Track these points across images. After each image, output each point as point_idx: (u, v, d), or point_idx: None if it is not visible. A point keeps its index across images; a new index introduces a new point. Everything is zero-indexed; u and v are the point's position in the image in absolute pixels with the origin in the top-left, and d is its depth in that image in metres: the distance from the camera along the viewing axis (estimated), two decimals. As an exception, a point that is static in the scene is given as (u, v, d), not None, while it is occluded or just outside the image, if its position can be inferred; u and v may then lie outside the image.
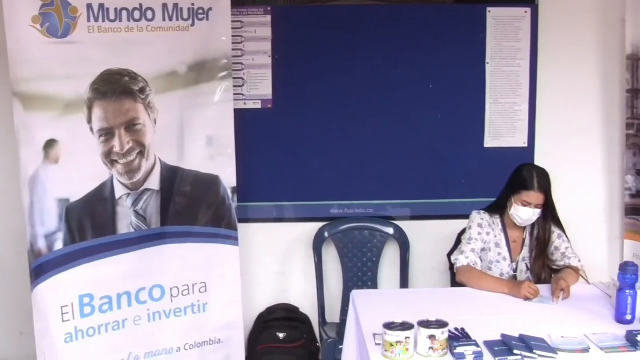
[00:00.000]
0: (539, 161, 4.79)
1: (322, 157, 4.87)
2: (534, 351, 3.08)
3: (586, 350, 3.16)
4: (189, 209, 4.21)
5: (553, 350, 3.12)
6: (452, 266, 4.16)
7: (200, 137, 4.20)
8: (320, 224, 4.89)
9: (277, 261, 5.00)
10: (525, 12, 4.89)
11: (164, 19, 4.00)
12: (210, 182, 4.24)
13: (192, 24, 4.06)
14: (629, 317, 3.48)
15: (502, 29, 4.88)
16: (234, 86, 4.43)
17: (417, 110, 4.87)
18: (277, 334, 4.73)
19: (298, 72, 4.78)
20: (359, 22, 4.78)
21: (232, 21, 4.31)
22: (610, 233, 5.24)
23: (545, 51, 4.94)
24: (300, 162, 4.86)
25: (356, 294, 3.86)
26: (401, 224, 4.91)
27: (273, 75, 4.77)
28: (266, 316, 4.88)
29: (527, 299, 3.73)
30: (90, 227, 3.94)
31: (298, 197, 4.92)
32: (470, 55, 4.89)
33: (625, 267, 3.51)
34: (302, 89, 4.79)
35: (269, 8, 4.72)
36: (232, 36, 4.34)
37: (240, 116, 4.50)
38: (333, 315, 4.88)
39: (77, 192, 3.89)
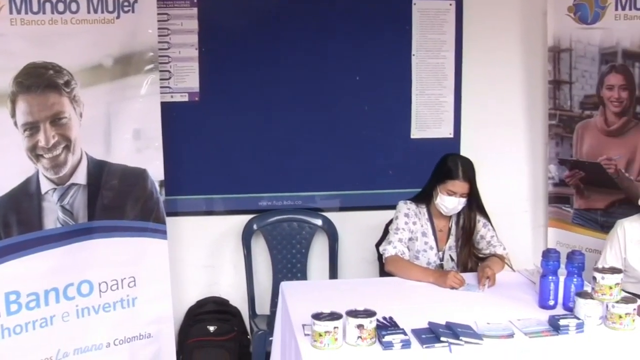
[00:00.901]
0: (464, 151, 4.88)
1: (250, 149, 4.88)
2: (460, 338, 3.15)
3: (511, 335, 3.25)
4: (117, 203, 4.18)
5: (479, 336, 3.20)
6: (380, 256, 4.22)
7: (127, 130, 4.17)
8: (249, 217, 4.90)
9: (206, 254, 5.00)
10: (450, 4, 4.98)
11: (88, 11, 3.94)
12: (138, 176, 4.22)
13: (118, 17, 4.02)
14: (551, 303, 3.59)
15: (428, 22, 4.96)
16: (161, 79, 4.40)
17: (344, 102, 4.92)
18: (208, 327, 4.73)
19: (225, 65, 4.78)
20: (286, 14, 4.80)
21: (158, 13, 4.28)
22: (535, 221, 5.38)
23: (469, 43, 5.04)
24: (228, 154, 4.86)
25: (285, 286, 3.90)
26: (330, 215, 4.96)
27: (200, 68, 4.76)
28: (196, 310, 4.87)
29: (452, 288, 3.81)
30: (16, 222, 3.87)
31: (227, 190, 4.92)
32: (396, 48, 4.95)
33: (547, 254, 3.62)
34: (229, 81, 4.79)
35: (195, 0, 4.70)
36: (159, 29, 4.31)
37: (168, 109, 4.48)
38: (263, 307, 4.90)
39: (2, 187, 3.81)
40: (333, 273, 4.89)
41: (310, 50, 4.84)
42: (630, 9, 4.69)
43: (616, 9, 4.74)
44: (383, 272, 4.23)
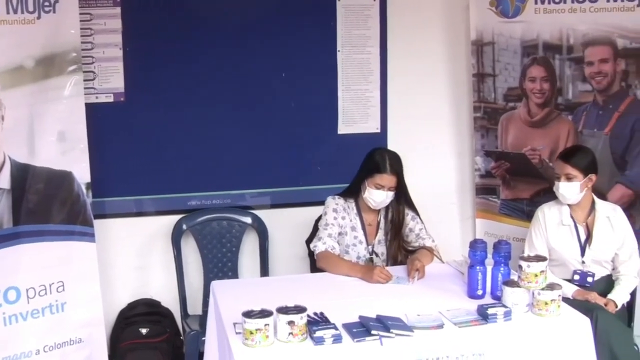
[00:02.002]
0: (391, 146, 4.91)
1: (178, 148, 4.84)
2: (391, 330, 3.18)
3: (441, 326, 3.30)
4: (42, 207, 4.10)
5: (409, 328, 3.24)
6: (311, 252, 4.23)
7: (51, 132, 4.11)
8: (178, 217, 4.86)
9: (136, 256, 4.94)
10: (374, 0, 5.01)
11: (7, 12, 3.86)
12: (63, 179, 4.16)
13: (38, 17, 3.95)
14: (480, 292, 3.65)
15: (352, 17, 4.99)
16: (85, 80, 4.35)
17: (271, 99, 4.91)
18: (140, 329, 4.68)
19: (150, 64, 4.73)
20: (211, 12, 4.77)
21: (81, 13, 4.23)
22: (463, 213, 5.46)
23: (394, 38, 5.08)
24: (156, 154, 4.82)
25: (216, 285, 3.89)
26: (260, 212, 4.95)
27: (125, 68, 4.70)
28: (127, 312, 4.82)
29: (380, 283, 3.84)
30: (-62, 229, 3.80)
31: (155, 190, 4.88)
32: (321, 44, 4.97)
33: (474, 245, 3.69)
34: (154, 80, 4.74)
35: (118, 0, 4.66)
36: (81, 29, 4.25)
37: (93, 110, 4.44)
38: (195, 308, 4.87)
39: None
40: (264, 271, 4.88)
41: (236, 47, 4.82)
42: (549, 2, 4.79)
43: (536, 2, 4.84)
44: (314, 268, 4.24)
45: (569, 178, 4.13)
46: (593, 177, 4.16)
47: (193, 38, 4.76)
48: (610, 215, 4.22)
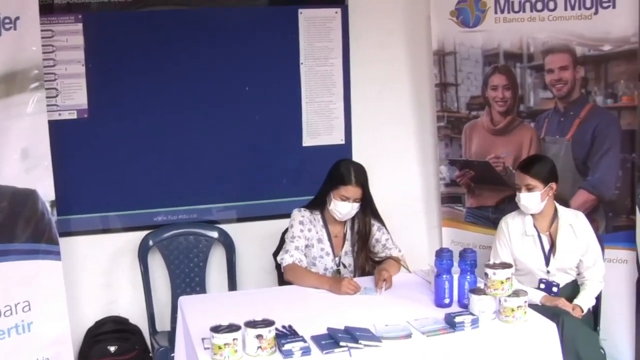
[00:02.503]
0: (356, 157, 4.93)
1: (143, 164, 4.83)
2: (359, 341, 3.18)
3: (409, 335, 3.30)
4: (7, 225, 4.05)
5: (377, 338, 3.24)
6: (278, 265, 4.23)
7: (14, 150, 4.06)
8: (145, 233, 4.84)
9: (103, 273, 4.90)
10: (336, 12, 5.04)
11: (-32, 30, 3.86)
12: (27, 197, 4.11)
13: (-1, 34, 3.94)
14: (447, 301, 3.66)
15: (314, 30, 5.01)
16: (48, 97, 4.33)
17: (235, 112, 4.91)
18: (108, 347, 4.65)
19: (113, 80, 4.71)
20: (173, 26, 4.77)
21: (42, 30, 4.19)
22: (429, 222, 5.48)
23: (356, 49, 5.11)
24: (121, 170, 4.80)
25: (183, 300, 3.86)
26: (226, 226, 4.94)
27: (88, 84, 4.67)
28: (95, 330, 4.78)
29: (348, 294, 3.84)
30: None
31: (121, 207, 4.85)
32: (284, 57, 4.99)
33: (440, 254, 3.70)
34: (118, 96, 4.72)
35: (79, 16, 4.62)
36: (43, 45, 4.23)
37: (57, 127, 4.41)
38: (164, 324, 4.85)
39: None
40: (232, 285, 4.87)
41: (199, 61, 4.82)
42: (508, 12, 4.84)
43: (496, 12, 4.88)
44: (282, 281, 4.24)
45: (529, 188, 4.15)
46: (554, 185, 4.19)
47: (156, 53, 4.75)
48: (573, 223, 4.25)
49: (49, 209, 4.18)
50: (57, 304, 4.24)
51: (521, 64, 4.89)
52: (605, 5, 4.59)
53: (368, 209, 4.21)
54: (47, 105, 4.25)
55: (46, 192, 4.17)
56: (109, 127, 4.74)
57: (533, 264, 4.24)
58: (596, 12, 4.62)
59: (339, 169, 4.13)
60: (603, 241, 4.46)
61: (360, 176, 4.12)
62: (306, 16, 4.98)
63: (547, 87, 4.82)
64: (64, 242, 4.36)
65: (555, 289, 4.19)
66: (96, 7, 4.64)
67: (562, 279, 4.24)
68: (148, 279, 4.78)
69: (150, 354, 4.78)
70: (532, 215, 4.25)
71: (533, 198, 4.15)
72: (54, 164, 4.20)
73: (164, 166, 4.86)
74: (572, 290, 4.26)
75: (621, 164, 4.66)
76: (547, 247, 4.24)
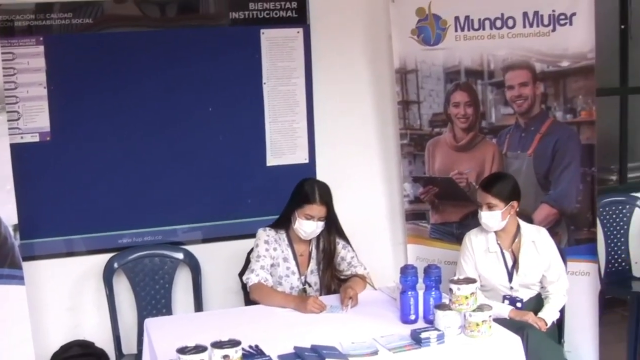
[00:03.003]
0: (320, 175, 4.94)
1: (107, 186, 4.79)
2: (326, 359, 3.19)
3: (375, 352, 3.31)
4: (-31, 251, 4.04)
5: (344, 356, 3.25)
6: (244, 285, 4.22)
7: (-25, 175, 4.05)
8: (110, 255, 4.80)
9: (68, 296, 4.85)
10: (298, 32, 5.05)
11: None
12: (-11, 222, 4.10)
13: (-40, 58, 3.91)
14: (412, 317, 3.68)
15: (277, 49, 5.01)
16: (9, 120, 4.33)
17: (199, 133, 4.90)
18: (74, 372, 4.63)
19: (76, 102, 4.69)
20: (135, 48, 4.76)
21: (3, 53, 4.20)
22: (394, 239, 5.49)
23: (319, 69, 5.12)
24: (84, 193, 4.76)
25: (149, 323, 3.84)
26: (192, 247, 4.92)
27: (50, 107, 4.64)
28: (61, 355, 4.73)
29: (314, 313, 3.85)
30: None
31: (86, 229, 4.81)
32: (247, 77, 4.99)
33: (405, 270, 3.72)
34: (80, 118, 4.70)
35: (40, 38, 4.59)
36: (4, 68, 4.24)
37: (18, 150, 4.40)
38: (130, 346, 4.80)
39: None
40: (198, 306, 4.84)
41: (162, 83, 4.81)
42: (468, 29, 4.89)
43: (456, 30, 4.93)
44: (248, 301, 4.22)
45: (490, 207, 4.19)
46: (515, 204, 4.23)
47: (118, 75, 4.73)
48: (535, 239, 4.29)
49: (12, 233, 4.16)
50: (21, 329, 4.20)
51: (482, 80, 4.95)
52: (562, 22, 4.67)
53: (333, 228, 4.23)
54: (9, 129, 4.25)
55: (9, 216, 4.15)
56: (72, 149, 4.71)
57: (496, 280, 4.27)
58: (554, 29, 4.69)
59: (303, 188, 4.15)
60: (565, 254, 4.51)
61: (325, 195, 4.14)
62: (268, 36, 4.99)
63: (508, 103, 4.88)
64: (27, 266, 4.32)
65: (519, 304, 4.23)
66: (57, 29, 4.61)
67: (525, 294, 4.27)
68: (113, 302, 4.74)
69: (117, 378, 4.74)
70: (495, 232, 4.28)
71: (494, 217, 4.18)
72: (17, 188, 4.18)
73: (128, 188, 4.83)
74: (536, 304, 4.29)
75: (582, 177, 4.73)
76: (510, 263, 4.27)
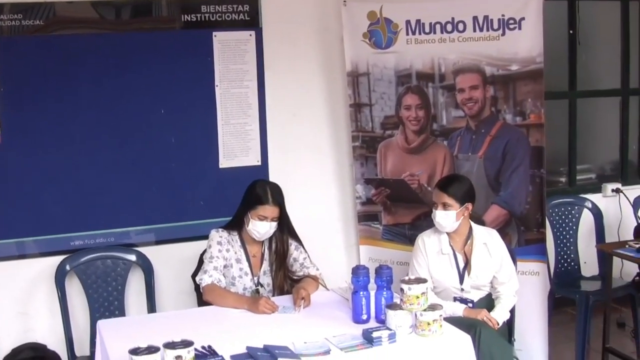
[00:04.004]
0: (273, 178, 4.93)
1: (58, 188, 4.76)
2: (278, 359, 3.20)
3: (327, 352, 3.32)
4: None
5: (296, 356, 3.26)
6: (197, 287, 4.22)
7: None
8: (62, 257, 4.77)
9: (19, 299, 4.81)
10: (250, 35, 5.06)
11: None
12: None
13: None
14: (364, 317, 3.70)
15: (229, 52, 5.02)
16: (-41, 123, 4.28)
17: (151, 135, 4.89)
18: (26, 374, 4.58)
19: (27, 104, 4.65)
20: (88, 51, 4.74)
21: (-48, 56, 4.16)
22: (347, 240, 5.52)
23: (271, 71, 5.14)
24: (36, 195, 4.72)
25: (102, 324, 3.82)
26: (145, 249, 4.90)
27: (0, 109, 4.60)
28: (13, 358, 4.68)
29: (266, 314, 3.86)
30: None
31: (37, 232, 4.77)
32: (199, 79, 4.99)
33: (357, 271, 3.74)
34: (31, 121, 4.66)
35: (-9, 40, 4.57)
36: (-46, 71, 4.19)
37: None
38: (83, 349, 4.77)
39: None
40: (151, 307, 4.81)
41: (114, 85, 4.79)
42: (419, 33, 4.95)
43: (407, 34, 4.98)
44: (201, 302, 4.21)
45: (445, 207, 4.23)
46: (469, 206, 4.28)
47: (70, 77, 4.71)
48: (487, 242, 4.34)
49: (-38, 236, 4.12)
50: (-29, 333, 4.17)
51: (433, 84, 5.00)
52: (511, 27, 4.75)
53: (285, 228, 4.25)
54: (-41, 131, 4.19)
55: (-42, 219, 4.11)
56: (23, 151, 4.67)
57: (448, 282, 4.31)
58: (503, 34, 4.77)
59: (255, 190, 4.16)
60: (515, 254, 4.57)
61: (277, 195, 4.15)
62: (220, 39, 4.99)
63: (458, 106, 4.94)
64: (-23, 270, 4.28)
65: (470, 305, 4.27)
66: (8, 30, 4.57)
67: (476, 295, 4.32)
68: (66, 304, 4.70)
69: (70, 380, 4.71)
70: (447, 233, 4.32)
71: (449, 216, 4.22)
72: (-34, 191, 4.14)
73: (80, 190, 4.80)
74: (487, 303, 4.34)
75: (531, 179, 4.81)
76: (461, 265, 4.31)
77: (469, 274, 4.29)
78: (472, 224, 4.37)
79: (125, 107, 4.84)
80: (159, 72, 4.87)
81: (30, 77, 4.65)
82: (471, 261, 4.30)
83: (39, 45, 4.65)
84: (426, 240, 4.37)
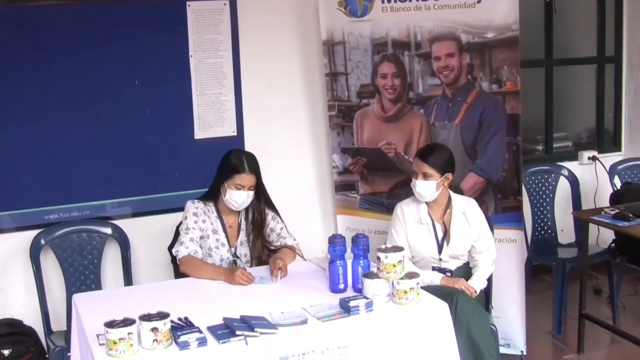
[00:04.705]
0: (249, 148, 4.88)
1: (32, 161, 4.71)
2: (255, 329, 3.19)
3: (304, 322, 3.32)
4: None
5: (273, 326, 3.25)
6: (174, 259, 4.20)
7: None
8: (37, 231, 4.72)
9: (-6, 275, 4.79)
10: (224, 4, 5.02)
11: None
12: None
13: None
14: (341, 286, 3.70)
15: (203, 22, 4.97)
16: None
17: (125, 106, 4.84)
18: (2, 351, 4.51)
19: (-2, 77, 4.60)
20: (59, 22, 4.67)
21: None
22: (324, 210, 5.53)
23: (246, 41, 5.10)
24: (9, 169, 4.68)
25: (77, 298, 3.80)
26: (120, 222, 4.86)
27: (-31, 82, 4.56)
28: (-12, 335, 4.67)
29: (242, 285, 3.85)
30: None
31: (11, 206, 4.72)
32: (173, 49, 4.94)
33: (333, 240, 3.74)
34: (3, 94, 4.59)
35: (-44, 10, 4.49)
36: None
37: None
38: (60, 323, 4.75)
39: None
40: (128, 281, 4.80)
41: (87, 56, 4.73)
42: (395, 1, 4.91)
43: (382, 2, 4.94)
44: (178, 274, 4.21)
45: (425, 176, 4.21)
46: (450, 176, 4.26)
47: (41, 48, 4.64)
48: (465, 211, 4.33)
49: None
50: (-55, 309, 4.13)
51: (409, 52, 4.97)
52: (487, -7, 4.72)
53: (262, 198, 4.24)
54: None
55: None
56: (-5, 124, 4.63)
57: (426, 252, 4.32)
58: (479, 1, 4.74)
59: (230, 159, 4.13)
60: (492, 222, 4.57)
61: (253, 164, 4.13)
62: (194, 9, 4.93)
63: (434, 74, 4.91)
64: (-49, 244, 4.24)
65: (448, 274, 4.28)
66: (-24, 1, 4.52)
67: (454, 265, 4.33)
68: (41, 279, 4.67)
69: (47, 355, 4.68)
70: (426, 203, 4.31)
71: (428, 186, 4.21)
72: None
73: (54, 163, 4.75)
74: (465, 273, 4.35)
75: (507, 146, 4.80)
76: (440, 235, 4.31)
77: (447, 243, 4.30)
78: (451, 193, 4.36)
79: (99, 78, 4.78)
80: (133, 42, 4.82)
81: (1, 48, 4.57)
82: (450, 231, 4.30)
83: (10, 15, 4.57)
84: (405, 209, 4.35)
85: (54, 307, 4.75)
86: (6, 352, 4.50)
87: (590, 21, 6.55)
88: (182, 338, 3.10)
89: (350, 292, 3.67)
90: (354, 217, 5.30)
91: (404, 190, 4.72)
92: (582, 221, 5.04)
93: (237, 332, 3.16)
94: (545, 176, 5.82)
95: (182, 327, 3.24)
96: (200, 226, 4.17)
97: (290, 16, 5.25)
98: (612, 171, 5.92)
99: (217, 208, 4.23)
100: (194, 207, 4.20)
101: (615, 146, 6.71)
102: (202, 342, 3.11)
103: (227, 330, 3.22)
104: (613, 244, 5.57)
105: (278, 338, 3.21)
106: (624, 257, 5.55)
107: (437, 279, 4.20)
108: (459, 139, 4.90)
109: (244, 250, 4.25)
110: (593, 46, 6.58)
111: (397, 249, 3.57)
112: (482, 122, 4.84)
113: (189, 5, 4.92)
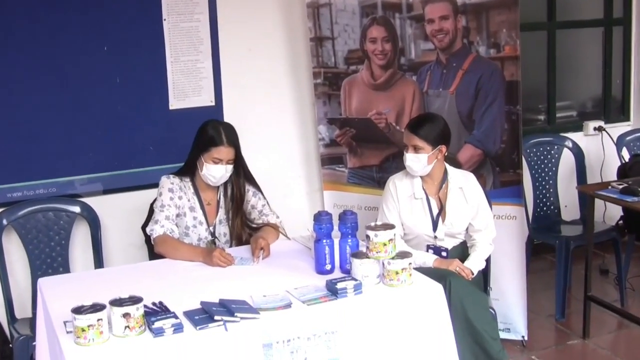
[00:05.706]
0: (228, 118, 4.91)
1: (-7, 135, 4.70)
2: (236, 314, 3.18)
3: (288, 305, 3.32)
4: None
5: (255, 310, 3.25)
6: (148, 239, 4.20)
7: None
8: (-1, 211, 4.72)
9: (-47, 258, 4.77)
10: (200, -38, 4.99)
11: None
12: None
13: None
14: (328, 267, 3.70)
15: (177, -18, 4.95)
16: None
17: (93, 75, 4.80)
18: (-37, 341, 4.54)
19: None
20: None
21: None
22: (310, 185, 5.53)
23: (224, 3, 5.07)
24: (-31, 144, 4.66)
25: (43, 282, 3.79)
26: (90, 200, 4.85)
27: None
28: (-54, 324, 4.66)
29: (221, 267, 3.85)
30: None
31: (-29, 184, 4.72)
32: (145, 13, 4.89)
33: (319, 218, 3.72)
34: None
35: None
36: None
37: None
38: (24, 310, 4.73)
39: None
40: (98, 263, 4.78)
41: (52, 20, 4.68)
42: (385, -42, 4.88)
43: (372, -41, 4.92)
44: (153, 255, 4.21)
45: (416, 149, 4.20)
46: (443, 148, 4.24)
47: (1, 11, 4.58)
48: (463, 186, 4.33)
49: None
50: None
51: (400, 14, 4.95)
52: (485, -50, 4.70)
53: (241, 172, 4.23)
54: None
55: None
56: (-48, 96, 4.59)
57: (420, 229, 4.31)
58: (475, -41, 4.72)
59: (207, 131, 4.11)
60: (490, 197, 4.57)
61: (231, 135, 4.12)
62: (167, -33, 4.92)
63: (428, 38, 4.90)
64: None
65: (444, 254, 4.28)
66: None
67: (450, 243, 4.33)
68: (3, 262, 4.64)
69: (11, 345, 4.67)
70: (420, 177, 4.30)
71: (419, 159, 4.20)
72: None
73: (17, 136, 4.72)
74: (461, 252, 4.36)
75: (506, 116, 4.79)
76: (435, 211, 4.31)
77: (443, 220, 4.29)
78: (448, 166, 4.35)
79: (65, 44, 4.73)
80: (101, 5, 4.77)
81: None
82: (446, 207, 4.30)
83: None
84: (397, 183, 4.35)
85: (17, 293, 4.73)
86: (-35, 342, 4.51)
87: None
88: (157, 324, 3.09)
89: (337, 274, 3.67)
90: (342, 192, 5.30)
91: (395, 164, 4.72)
92: (587, 196, 5.05)
93: (216, 317, 3.16)
94: (548, 148, 5.83)
95: (157, 312, 3.24)
96: (177, 203, 4.16)
97: (271, -24, 5.22)
98: (619, 142, 5.93)
99: (194, 184, 4.21)
100: (169, 182, 4.18)
101: (623, 115, 6.73)
102: (178, 328, 3.11)
103: (205, 315, 3.21)
104: (621, 221, 5.60)
105: (260, 323, 3.21)
106: (632, 235, 5.58)
107: (430, 260, 4.20)
108: (454, 108, 4.89)
109: (223, 229, 4.25)
110: (599, 7, 6.57)
111: (388, 226, 3.57)
112: (478, 90, 4.83)
113: (161, -36, 4.90)
